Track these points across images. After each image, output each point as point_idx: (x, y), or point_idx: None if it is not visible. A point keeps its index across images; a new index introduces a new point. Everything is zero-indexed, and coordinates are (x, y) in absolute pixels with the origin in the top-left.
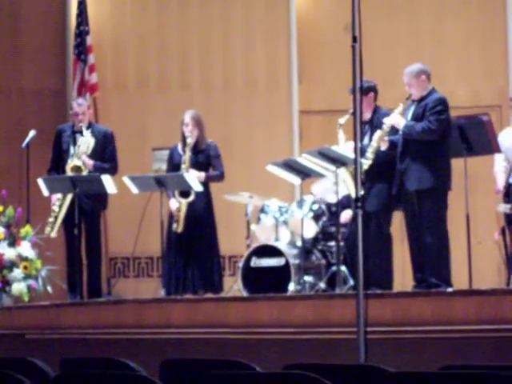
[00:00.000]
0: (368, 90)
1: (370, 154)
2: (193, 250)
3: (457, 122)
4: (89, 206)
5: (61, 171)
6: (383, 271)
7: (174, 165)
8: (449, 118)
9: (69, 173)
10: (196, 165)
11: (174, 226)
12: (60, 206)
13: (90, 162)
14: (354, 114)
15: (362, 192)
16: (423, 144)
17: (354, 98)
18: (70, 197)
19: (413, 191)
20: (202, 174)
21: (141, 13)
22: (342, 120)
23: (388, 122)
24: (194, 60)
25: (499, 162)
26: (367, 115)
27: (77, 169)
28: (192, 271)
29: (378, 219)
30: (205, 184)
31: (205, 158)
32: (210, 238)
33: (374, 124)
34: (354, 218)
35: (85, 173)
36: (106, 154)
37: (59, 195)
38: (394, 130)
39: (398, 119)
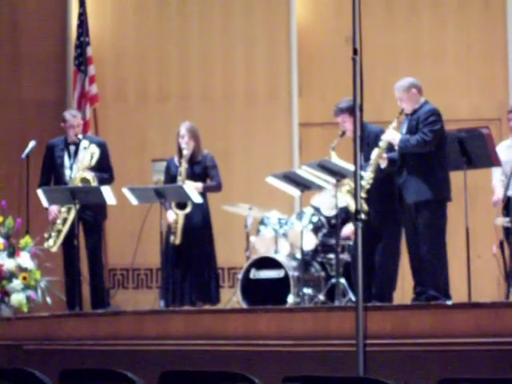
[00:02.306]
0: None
1: (370, 172)
2: (190, 261)
3: (457, 135)
4: (91, 217)
5: (53, 185)
6: (386, 284)
7: (171, 176)
8: (443, 129)
9: (77, 184)
10: (192, 176)
11: (172, 237)
12: (64, 220)
13: (92, 174)
14: (342, 135)
15: (365, 209)
16: (420, 156)
17: (350, 116)
18: (73, 211)
19: (411, 204)
20: (200, 185)
21: (141, 24)
22: (333, 143)
23: (384, 138)
24: (194, 72)
25: (497, 175)
26: None
27: (86, 181)
28: (189, 283)
29: (385, 234)
30: (202, 195)
31: (201, 170)
32: (207, 249)
33: (365, 142)
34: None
35: (93, 185)
36: (102, 164)
37: (64, 208)
38: (391, 146)
39: (393, 135)
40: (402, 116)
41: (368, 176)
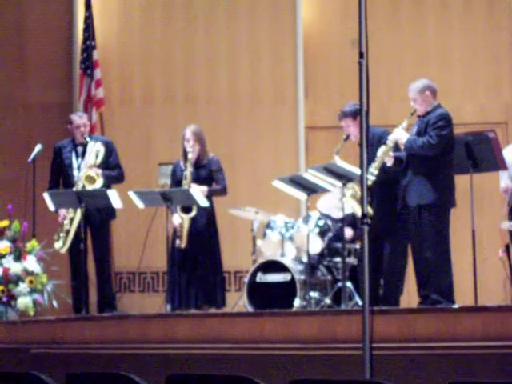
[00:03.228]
0: (357, 112)
1: (373, 169)
2: (196, 265)
3: (463, 139)
4: (97, 219)
5: (62, 187)
6: (392, 289)
7: (177, 180)
8: (451, 134)
9: (83, 182)
10: (198, 180)
11: (177, 241)
12: (71, 220)
13: (99, 171)
14: (346, 139)
15: (370, 213)
16: (425, 159)
17: (353, 121)
18: (80, 211)
19: (414, 206)
20: (205, 188)
21: (147, 27)
22: (336, 147)
23: (391, 137)
24: (200, 75)
25: (504, 179)
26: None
27: (90, 179)
28: (195, 287)
29: (392, 239)
30: (208, 199)
31: (206, 173)
32: (213, 253)
33: (369, 143)
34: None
35: (98, 182)
36: (110, 163)
37: (70, 209)
38: (397, 146)
39: (400, 134)
40: (413, 117)
41: (371, 173)
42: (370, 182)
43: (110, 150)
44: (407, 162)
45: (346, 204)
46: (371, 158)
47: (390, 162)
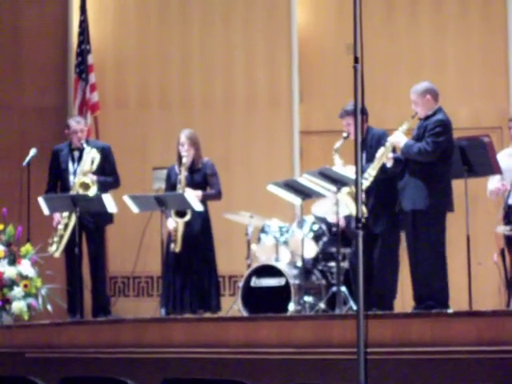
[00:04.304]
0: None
1: (371, 170)
2: (190, 269)
3: (458, 144)
4: (92, 224)
5: (59, 190)
6: (386, 292)
7: (172, 184)
8: (449, 140)
9: (77, 189)
10: (192, 184)
11: (172, 245)
12: (66, 226)
13: (94, 178)
14: (346, 137)
15: (364, 213)
16: (421, 164)
17: (354, 121)
18: (75, 216)
19: (409, 211)
20: (199, 193)
21: (142, 31)
22: (336, 145)
23: (390, 139)
24: (195, 79)
25: (492, 182)
26: None
27: (85, 186)
28: (190, 291)
29: (383, 240)
30: (202, 203)
31: (201, 177)
32: (207, 257)
33: (368, 144)
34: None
35: (93, 189)
36: (106, 169)
37: (65, 214)
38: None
39: (399, 138)
40: (413, 120)
41: (369, 174)
42: (367, 183)
43: (106, 156)
44: (405, 164)
45: (340, 202)
46: (369, 159)
47: (389, 164)
